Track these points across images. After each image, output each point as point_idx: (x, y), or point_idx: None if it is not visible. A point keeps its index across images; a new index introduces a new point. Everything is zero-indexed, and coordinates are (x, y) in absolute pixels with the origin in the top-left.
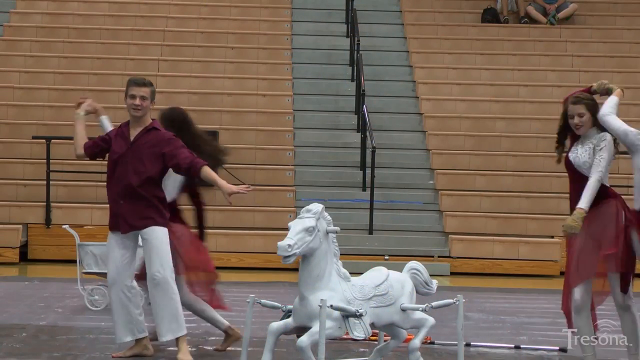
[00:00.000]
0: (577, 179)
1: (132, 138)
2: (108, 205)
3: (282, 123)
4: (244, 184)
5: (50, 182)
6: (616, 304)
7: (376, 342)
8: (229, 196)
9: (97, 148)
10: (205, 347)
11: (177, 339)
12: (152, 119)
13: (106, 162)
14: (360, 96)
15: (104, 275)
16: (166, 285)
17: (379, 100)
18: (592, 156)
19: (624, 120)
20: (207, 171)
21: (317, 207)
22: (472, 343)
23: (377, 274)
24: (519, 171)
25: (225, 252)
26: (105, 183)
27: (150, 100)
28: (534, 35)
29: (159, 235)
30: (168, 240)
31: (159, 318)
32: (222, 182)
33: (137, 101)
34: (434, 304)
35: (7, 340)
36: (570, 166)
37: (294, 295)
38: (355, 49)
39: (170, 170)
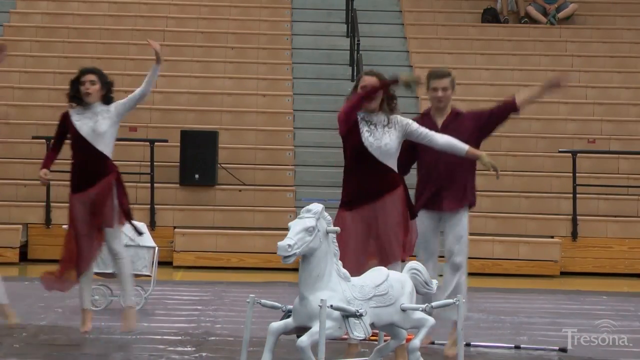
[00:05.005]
0: None
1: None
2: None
3: (282, 123)
4: (244, 184)
5: (50, 182)
6: None
7: (376, 342)
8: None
9: None
10: (205, 346)
11: None
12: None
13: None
14: None
15: (104, 275)
16: None
17: None
18: None
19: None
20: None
21: (317, 207)
22: (472, 343)
23: (377, 274)
24: (519, 171)
25: (225, 252)
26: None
27: (451, 90)
28: (534, 35)
29: None
30: None
31: None
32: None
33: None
34: (434, 304)
35: (7, 340)
36: None
37: (294, 295)
38: (355, 49)
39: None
